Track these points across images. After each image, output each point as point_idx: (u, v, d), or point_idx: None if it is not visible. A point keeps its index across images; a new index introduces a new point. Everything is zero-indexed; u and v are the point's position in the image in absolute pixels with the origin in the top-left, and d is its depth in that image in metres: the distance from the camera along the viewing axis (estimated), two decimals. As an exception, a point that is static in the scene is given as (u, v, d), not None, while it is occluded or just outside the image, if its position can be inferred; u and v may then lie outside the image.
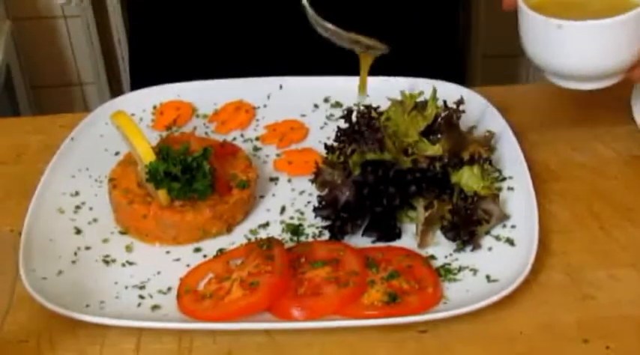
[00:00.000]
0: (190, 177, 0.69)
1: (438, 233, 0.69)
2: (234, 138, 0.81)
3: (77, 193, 0.74)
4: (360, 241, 0.69)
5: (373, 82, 0.83)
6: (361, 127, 0.71)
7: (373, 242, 0.69)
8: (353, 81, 0.84)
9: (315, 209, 0.70)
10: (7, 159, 0.81)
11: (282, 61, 0.89)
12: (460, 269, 0.66)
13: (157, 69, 1.04)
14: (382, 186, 0.68)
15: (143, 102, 0.85)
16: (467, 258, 0.67)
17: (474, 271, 0.65)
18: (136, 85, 1.00)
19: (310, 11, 0.73)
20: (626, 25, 0.67)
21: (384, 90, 0.80)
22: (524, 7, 0.70)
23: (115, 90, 1.90)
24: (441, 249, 0.68)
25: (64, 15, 2.01)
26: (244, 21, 0.97)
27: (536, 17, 0.69)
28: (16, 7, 1.93)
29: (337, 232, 0.69)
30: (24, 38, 1.96)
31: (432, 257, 0.67)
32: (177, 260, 0.68)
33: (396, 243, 0.69)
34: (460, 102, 0.74)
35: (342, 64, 0.87)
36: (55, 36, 2.06)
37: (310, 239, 0.69)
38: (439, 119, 0.73)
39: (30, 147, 0.82)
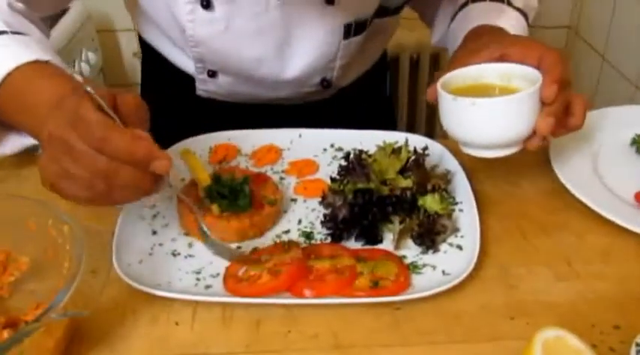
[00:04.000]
0: (235, 196, 0.69)
1: (409, 240, 0.69)
2: (266, 171, 0.81)
3: (154, 205, 0.75)
4: (353, 244, 0.69)
5: (365, 134, 0.85)
6: (354, 165, 0.72)
7: (362, 245, 0.69)
8: (351, 133, 0.86)
9: (322, 222, 0.71)
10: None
11: (301, 118, 0.89)
12: (424, 265, 0.66)
13: None
14: (368, 207, 0.69)
15: (203, 143, 0.85)
16: (429, 258, 0.67)
17: (434, 267, 0.66)
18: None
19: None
20: (523, 100, 0.64)
21: (373, 140, 0.81)
22: (444, 92, 0.67)
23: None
24: (410, 251, 0.68)
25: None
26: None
27: (455, 99, 0.65)
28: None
29: (337, 238, 0.69)
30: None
31: (404, 256, 0.67)
32: (224, 254, 0.68)
33: (378, 246, 0.69)
34: (425, 148, 0.75)
35: (343, 121, 0.89)
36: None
37: (318, 242, 0.70)
38: (410, 160, 0.74)
39: None
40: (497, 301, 0.62)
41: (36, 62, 0.66)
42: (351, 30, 0.85)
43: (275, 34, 0.83)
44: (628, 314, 0.61)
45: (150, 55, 0.99)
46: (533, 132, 0.67)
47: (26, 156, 0.90)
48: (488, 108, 0.65)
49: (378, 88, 1.10)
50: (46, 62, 0.67)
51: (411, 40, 1.79)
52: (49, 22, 0.82)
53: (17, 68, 0.65)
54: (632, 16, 1.55)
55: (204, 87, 0.93)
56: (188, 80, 0.94)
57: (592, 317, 0.60)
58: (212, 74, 0.90)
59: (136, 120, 0.58)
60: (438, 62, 1.86)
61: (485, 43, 0.72)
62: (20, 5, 0.76)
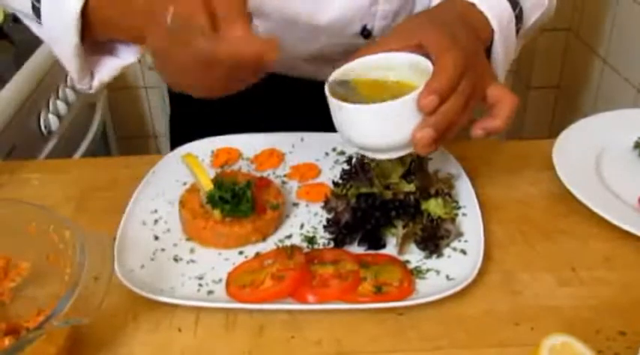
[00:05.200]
0: (237, 201, 0.69)
1: (412, 244, 0.69)
2: (269, 175, 0.81)
3: (156, 211, 0.74)
4: (356, 249, 0.69)
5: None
6: (357, 169, 0.72)
7: (365, 250, 0.69)
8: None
9: (324, 226, 0.70)
10: (106, 187, 0.81)
11: (303, 121, 0.88)
12: (427, 270, 0.65)
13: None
14: (371, 211, 0.68)
15: (205, 147, 0.85)
16: (432, 263, 0.67)
17: (437, 272, 0.65)
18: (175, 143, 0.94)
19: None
20: (385, 111, 0.59)
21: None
22: (327, 90, 0.62)
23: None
24: (414, 256, 0.68)
25: (145, 86, 2.03)
26: (276, 96, 0.94)
27: (328, 98, 0.61)
28: (110, 81, 1.94)
29: (340, 243, 0.69)
30: (116, 102, 1.98)
31: (408, 261, 0.67)
32: (227, 259, 0.68)
33: (382, 251, 0.68)
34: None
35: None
36: (137, 101, 2.08)
37: (321, 246, 0.69)
38: (413, 165, 0.73)
39: (121, 178, 0.82)
40: (501, 306, 0.62)
41: None
42: None
43: None
44: (633, 319, 0.61)
45: None
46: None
47: (27, 159, 0.91)
48: (353, 114, 0.61)
49: None
50: None
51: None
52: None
53: None
54: (633, 18, 1.55)
55: None
56: None
57: (597, 322, 0.60)
58: None
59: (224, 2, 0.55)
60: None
61: (410, 27, 0.67)
62: None
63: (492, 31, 0.70)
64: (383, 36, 0.69)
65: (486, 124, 0.64)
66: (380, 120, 0.60)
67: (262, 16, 0.84)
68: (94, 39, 0.70)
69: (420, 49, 0.63)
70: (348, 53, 0.85)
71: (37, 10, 0.68)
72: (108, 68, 0.74)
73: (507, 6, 0.73)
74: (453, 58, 0.60)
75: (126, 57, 0.73)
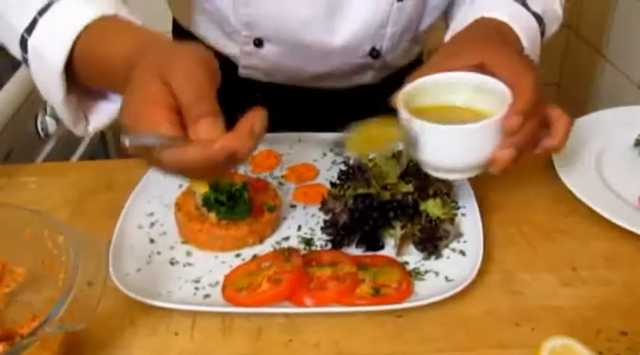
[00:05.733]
0: (233, 203, 0.68)
1: (411, 245, 0.68)
2: (266, 176, 0.80)
3: (152, 214, 0.74)
4: (353, 251, 0.68)
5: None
6: (355, 170, 0.71)
7: (363, 251, 0.68)
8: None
9: (322, 228, 0.70)
10: (103, 189, 0.80)
11: (300, 122, 0.89)
12: (426, 271, 0.65)
13: None
14: (369, 212, 0.68)
15: None
16: (431, 264, 0.66)
17: (436, 273, 0.65)
18: None
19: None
20: (476, 131, 0.61)
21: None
22: (401, 108, 0.62)
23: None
24: (412, 257, 0.67)
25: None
26: (276, 99, 0.93)
27: (409, 119, 0.61)
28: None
29: (337, 244, 0.68)
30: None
31: (406, 263, 0.66)
32: (223, 262, 0.67)
33: (380, 253, 0.68)
34: None
35: (342, 123, 0.88)
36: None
37: (319, 248, 0.69)
38: (411, 165, 0.72)
39: (118, 180, 0.81)
40: (501, 307, 0.62)
41: (103, 18, 0.63)
42: None
43: None
44: (634, 319, 0.60)
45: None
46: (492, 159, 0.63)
47: (24, 163, 0.90)
48: (438, 135, 0.61)
49: None
50: (113, 16, 0.63)
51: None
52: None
53: (84, 29, 0.62)
54: (634, 15, 1.54)
55: (248, 62, 0.91)
56: (227, 66, 0.92)
57: (598, 323, 0.60)
58: (258, 43, 0.88)
59: (191, 101, 0.53)
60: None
61: (466, 48, 0.69)
62: None
63: (523, 48, 0.72)
64: (437, 56, 0.70)
65: (546, 144, 0.68)
66: (464, 141, 0.61)
67: (274, 41, 0.87)
68: (84, 85, 0.68)
69: (480, 69, 0.65)
70: (355, 72, 0.90)
71: (26, 62, 0.67)
72: (102, 114, 0.71)
73: (534, 24, 0.76)
74: (531, 80, 0.62)
75: (119, 101, 0.71)
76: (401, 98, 0.64)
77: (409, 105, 0.63)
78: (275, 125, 0.90)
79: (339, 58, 0.89)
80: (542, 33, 0.78)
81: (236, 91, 0.93)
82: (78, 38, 0.62)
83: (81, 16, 0.63)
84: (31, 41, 0.64)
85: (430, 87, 0.66)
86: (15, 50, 0.67)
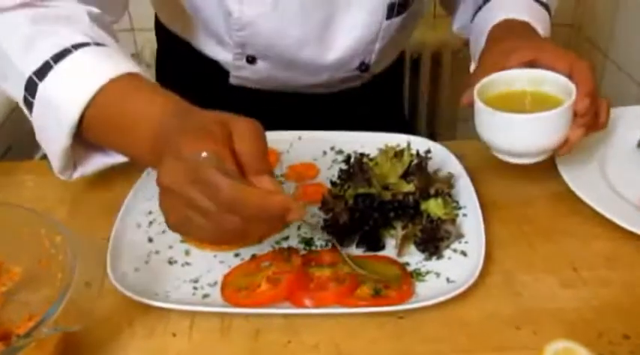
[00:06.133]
0: None
1: (412, 246, 0.68)
2: (265, 175, 0.80)
3: (150, 212, 0.73)
4: (354, 251, 0.68)
5: (366, 136, 0.84)
6: (355, 169, 0.71)
7: (364, 251, 0.68)
8: (351, 135, 0.85)
9: (322, 227, 0.69)
10: (101, 189, 0.80)
11: (301, 120, 0.89)
12: (427, 272, 0.65)
13: None
14: (370, 212, 0.67)
15: None
16: (432, 265, 0.66)
17: (437, 274, 0.64)
18: None
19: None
20: (559, 115, 0.67)
21: (374, 143, 0.79)
22: (482, 105, 0.69)
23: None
24: (413, 257, 0.67)
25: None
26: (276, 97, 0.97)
27: (493, 113, 0.68)
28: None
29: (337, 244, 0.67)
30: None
31: (407, 263, 0.66)
32: (222, 262, 0.67)
33: (381, 253, 0.68)
34: (428, 151, 0.73)
35: (343, 123, 0.89)
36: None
37: (318, 248, 0.68)
38: (412, 164, 0.72)
39: (117, 180, 0.80)
40: (503, 309, 0.61)
41: (127, 75, 0.62)
42: (394, 9, 0.85)
43: (319, 14, 0.83)
44: (636, 321, 0.60)
45: (170, 48, 1.00)
46: (565, 141, 0.70)
47: (22, 160, 0.90)
48: (524, 124, 0.68)
49: (398, 83, 1.15)
50: (136, 74, 0.62)
51: (432, 40, 1.77)
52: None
53: (107, 84, 0.61)
54: (636, 15, 1.54)
55: (239, 73, 0.92)
56: (217, 70, 0.93)
57: (599, 325, 0.59)
58: (251, 60, 0.89)
59: (255, 152, 0.54)
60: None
61: (516, 46, 0.73)
62: (97, 11, 0.71)
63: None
64: (490, 56, 0.76)
65: (593, 125, 0.71)
66: (547, 126, 0.68)
67: (267, 58, 0.89)
68: (87, 138, 0.66)
69: (533, 65, 0.72)
70: (343, 83, 0.95)
71: (29, 105, 0.65)
72: (92, 165, 0.71)
73: (546, 15, 0.84)
74: (586, 65, 0.70)
75: (118, 157, 0.69)
76: (476, 94, 0.70)
77: (482, 98, 0.70)
78: (270, 120, 0.91)
79: (329, 72, 0.92)
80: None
81: (227, 95, 0.94)
82: (97, 93, 0.61)
83: (104, 69, 0.61)
84: (43, 87, 0.62)
85: (493, 83, 0.72)
86: (14, 90, 0.65)
